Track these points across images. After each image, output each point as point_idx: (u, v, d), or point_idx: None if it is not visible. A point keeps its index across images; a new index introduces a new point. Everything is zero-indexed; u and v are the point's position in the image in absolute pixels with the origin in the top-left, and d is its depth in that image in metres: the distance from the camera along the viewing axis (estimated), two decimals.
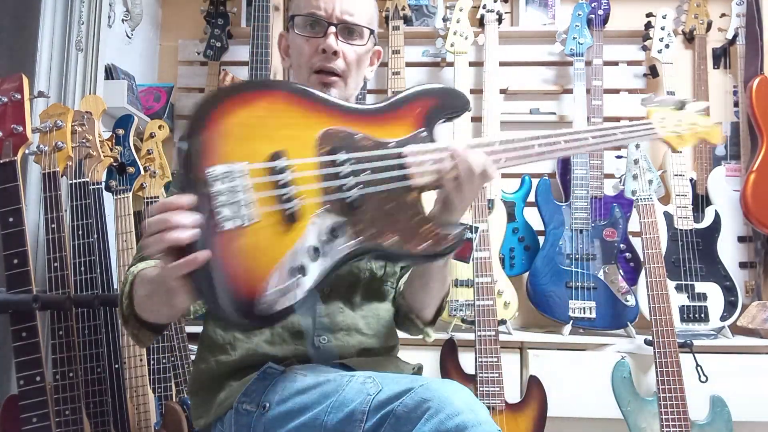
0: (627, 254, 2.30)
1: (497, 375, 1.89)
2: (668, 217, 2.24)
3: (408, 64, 2.52)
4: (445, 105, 1.08)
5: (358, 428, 0.89)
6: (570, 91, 2.46)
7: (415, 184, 0.99)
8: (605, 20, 2.51)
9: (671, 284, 2.10)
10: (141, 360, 1.75)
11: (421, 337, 1.28)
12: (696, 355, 1.90)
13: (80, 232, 1.61)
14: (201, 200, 0.86)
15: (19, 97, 1.44)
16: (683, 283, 2.18)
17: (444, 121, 1.09)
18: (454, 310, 2.16)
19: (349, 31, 1.16)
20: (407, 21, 2.59)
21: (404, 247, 0.97)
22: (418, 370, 1.24)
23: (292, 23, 1.19)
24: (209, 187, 0.87)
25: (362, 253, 0.95)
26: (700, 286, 2.18)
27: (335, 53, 1.13)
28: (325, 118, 0.99)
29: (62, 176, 1.57)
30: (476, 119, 2.42)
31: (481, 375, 1.89)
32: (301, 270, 0.90)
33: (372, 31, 1.19)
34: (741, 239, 2.33)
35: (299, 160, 0.94)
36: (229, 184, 0.89)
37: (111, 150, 1.86)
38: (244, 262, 0.88)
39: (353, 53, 1.16)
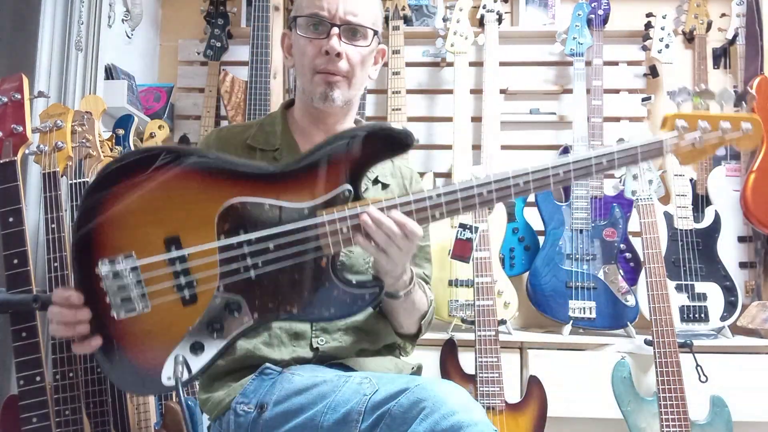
0: (627, 254, 2.30)
1: (497, 375, 1.88)
2: (668, 217, 2.24)
3: (408, 64, 2.52)
4: (377, 152, 0.96)
5: (355, 428, 0.89)
6: (570, 91, 2.46)
7: (326, 254, 0.94)
8: (605, 20, 2.51)
9: (671, 284, 2.10)
10: None
11: (402, 350, 1.27)
12: (696, 355, 1.89)
13: None
14: (95, 292, 0.92)
15: (19, 97, 1.44)
16: (683, 283, 2.18)
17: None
18: (454, 310, 2.16)
19: (352, 31, 1.14)
20: (407, 21, 2.59)
21: (313, 313, 0.95)
22: (417, 370, 1.24)
23: (294, 23, 1.17)
24: (99, 283, 0.92)
25: (261, 325, 0.96)
26: (700, 286, 2.18)
27: (338, 55, 1.12)
28: (229, 190, 0.94)
29: (62, 176, 1.57)
30: (476, 119, 2.42)
31: (481, 375, 1.89)
32: (200, 348, 0.93)
33: (376, 32, 1.17)
34: (741, 239, 2.33)
35: (193, 249, 0.93)
36: (118, 281, 0.92)
37: (111, 150, 1.86)
38: (143, 345, 0.93)
39: (357, 54, 1.14)
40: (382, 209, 0.94)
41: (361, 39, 1.15)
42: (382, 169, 1.25)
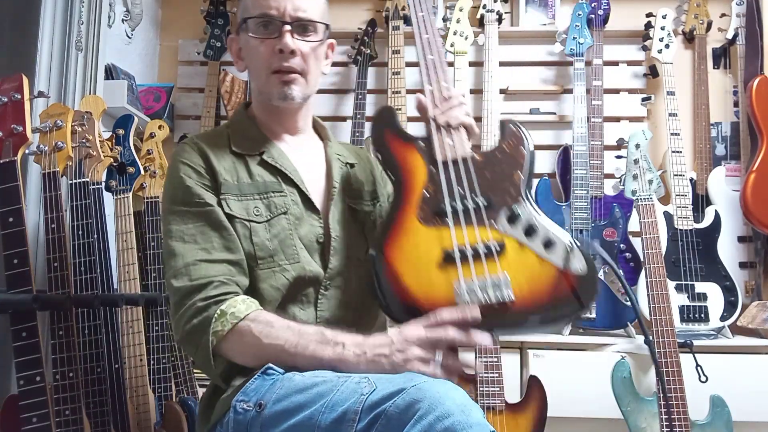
0: (627, 254, 2.30)
1: (497, 375, 1.88)
2: (668, 217, 2.24)
3: (408, 64, 2.52)
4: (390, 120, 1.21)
5: (351, 428, 0.88)
6: (570, 91, 2.46)
7: (468, 155, 1.14)
8: (605, 20, 2.51)
9: (671, 284, 2.10)
10: (141, 360, 1.75)
11: None
12: (696, 355, 1.90)
13: (80, 232, 1.61)
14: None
15: (19, 97, 1.44)
16: (683, 283, 2.18)
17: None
18: None
19: (303, 27, 1.16)
20: (407, 21, 2.59)
21: (523, 165, 1.14)
22: None
23: (244, 26, 1.19)
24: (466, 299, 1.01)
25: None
26: (700, 286, 2.18)
27: (293, 52, 1.14)
28: (408, 210, 1.11)
29: (62, 176, 1.57)
30: (476, 119, 2.41)
31: (481, 375, 1.89)
32: (551, 243, 1.05)
33: (327, 25, 1.20)
34: (741, 239, 2.33)
35: (452, 238, 1.06)
36: (476, 295, 1.02)
37: (111, 150, 1.86)
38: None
39: (310, 49, 1.17)
40: None
41: (312, 34, 1.18)
42: (344, 151, 1.32)
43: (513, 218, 1.05)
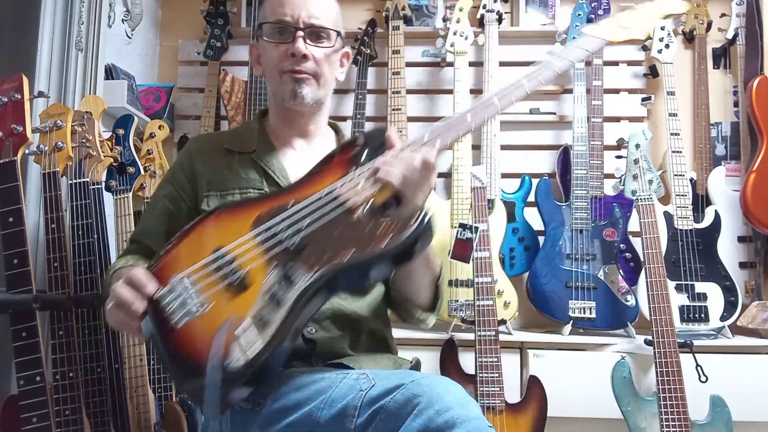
0: (627, 254, 2.30)
1: (497, 375, 1.88)
2: (668, 217, 2.24)
3: (408, 64, 2.52)
4: (368, 144, 1.09)
5: (350, 423, 0.90)
6: (570, 91, 2.46)
7: (354, 204, 1.00)
8: None
9: (671, 284, 2.10)
10: (141, 360, 1.75)
11: (422, 323, 1.28)
12: (696, 355, 1.89)
13: (80, 232, 1.61)
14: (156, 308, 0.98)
15: (19, 97, 1.44)
16: (683, 283, 2.18)
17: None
18: (454, 310, 2.15)
19: (316, 34, 1.21)
20: (407, 21, 2.59)
21: (367, 251, 0.95)
22: (416, 364, 1.25)
23: (260, 31, 1.24)
24: (161, 303, 0.98)
25: (326, 281, 0.95)
26: (700, 286, 2.18)
27: (304, 56, 1.18)
28: (257, 209, 1.05)
29: (62, 176, 1.57)
30: None
31: (481, 375, 1.89)
32: (265, 323, 0.93)
33: (339, 33, 1.24)
34: (741, 239, 2.33)
35: (235, 242, 1.00)
36: (174, 294, 0.97)
37: (111, 150, 1.86)
38: (207, 339, 0.92)
39: (322, 54, 1.21)
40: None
41: (325, 40, 1.22)
42: None
43: (284, 277, 0.96)
